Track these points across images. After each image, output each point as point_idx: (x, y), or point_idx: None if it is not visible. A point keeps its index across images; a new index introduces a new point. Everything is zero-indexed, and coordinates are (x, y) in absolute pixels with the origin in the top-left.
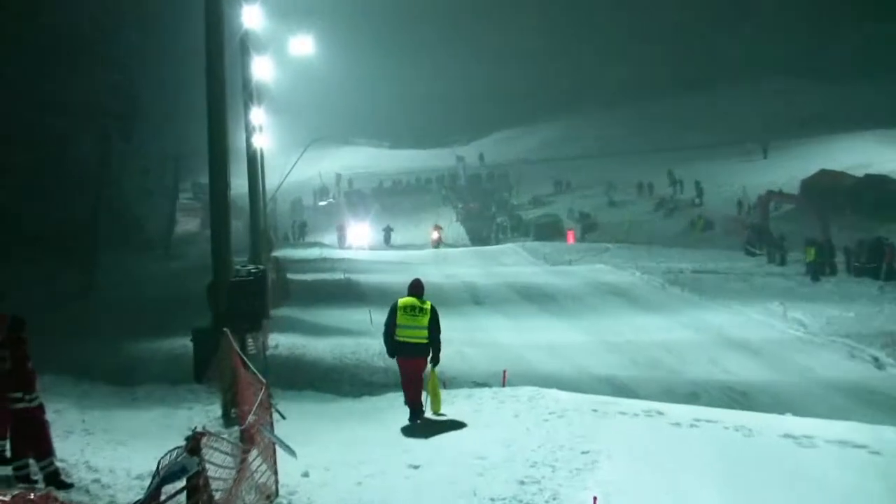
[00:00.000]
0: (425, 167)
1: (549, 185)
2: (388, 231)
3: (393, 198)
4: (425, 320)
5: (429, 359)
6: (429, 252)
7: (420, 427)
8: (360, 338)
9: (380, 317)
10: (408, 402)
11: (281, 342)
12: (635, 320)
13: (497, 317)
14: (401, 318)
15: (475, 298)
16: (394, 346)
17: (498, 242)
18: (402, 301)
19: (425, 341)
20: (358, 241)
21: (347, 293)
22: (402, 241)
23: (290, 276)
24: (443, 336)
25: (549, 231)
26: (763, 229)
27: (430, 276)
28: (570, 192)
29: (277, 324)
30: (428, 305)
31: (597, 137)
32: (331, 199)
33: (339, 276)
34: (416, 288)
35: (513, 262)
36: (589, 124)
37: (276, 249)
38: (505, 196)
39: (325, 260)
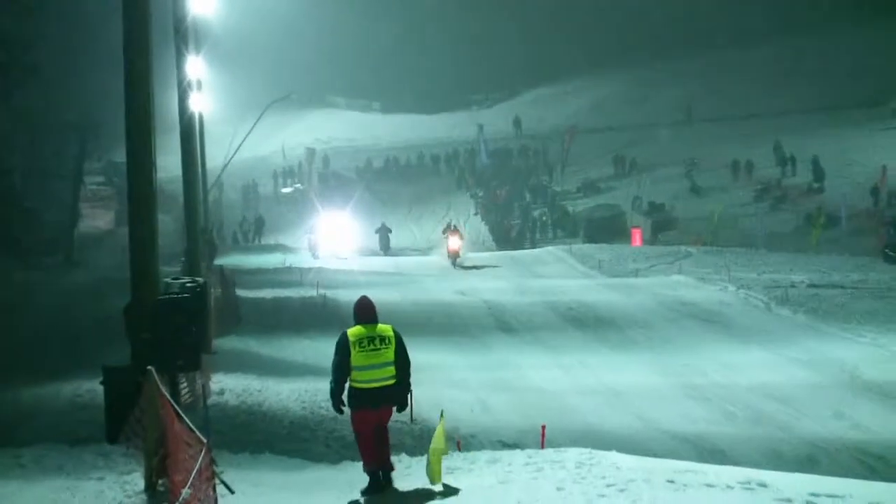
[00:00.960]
0: (432, 139)
1: (606, 165)
2: (384, 232)
3: (386, 183)
4: (391, 353)
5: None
6: (435, 260)
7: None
8: None
9: None
10: (370, 468)
11: (228, 386)
12: (728, 355)
13: (533, 350)
14: (357, 358)
15: (502, 324)
16: (352, 397)
17: (535, 245)
18: (353, 333)
19: (393, 382)
20: (339, 247)
21: (322, 317)
22: (398, 243)
23: (240, 292)
24: (457, 378)
25: (607, 229)
26: None
27: (439, 292)
28: (636, 175)
29: (223, 360)
30: (390, 332)
31: (671, 98)
32: (298, 185)
33: (310, 292)
34: (368, 311)
35: (555, 273)
36: (660, 79)
37: (221, 256)
38: (544, 180)
39: (290, 270)
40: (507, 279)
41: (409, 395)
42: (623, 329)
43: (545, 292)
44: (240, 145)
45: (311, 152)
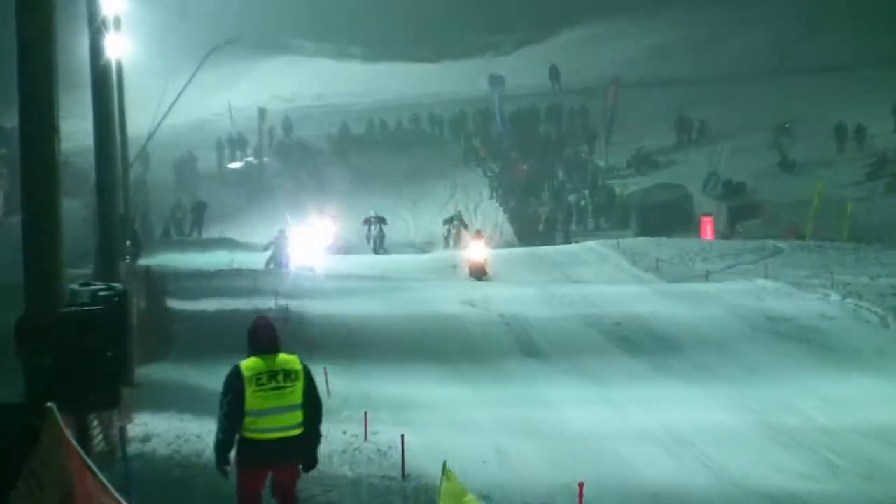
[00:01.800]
0: (431, 96)
1: (666, 131)
2: (376, 224)
3: (369, 155)
4: (297, 392)
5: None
6: (434, 259)
7: None
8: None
9: (341, 381)
10: None
11: (156, 430)
12: (831, 387)
13: (568, 380)
14: (254, 399)
15: (526, 346)
16: (242, 451)
17: (570, 240)
18: (248, 367)
19: (300, 431)
20: (314, 252)
21: (284, 337)
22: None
23: (173, 303)
24: (465, 418)
25: (668, 217)
26: None
27: (440, 302)
28: (707, 144)
29: (150, 395)
30: (297, 364)
31: (755, 42)
32: (250, 159)
33: (267, 303)
34: (267, 336)
35: (598, 277)
36: (740, 17)
37: (146, 254)
38: (583, 152)
39: (240, 273)
40: (532, 285)
41: (317, 446)
42: (689, 352)
43: (584, 303)
44: (172, 105)
45: (266, 114)
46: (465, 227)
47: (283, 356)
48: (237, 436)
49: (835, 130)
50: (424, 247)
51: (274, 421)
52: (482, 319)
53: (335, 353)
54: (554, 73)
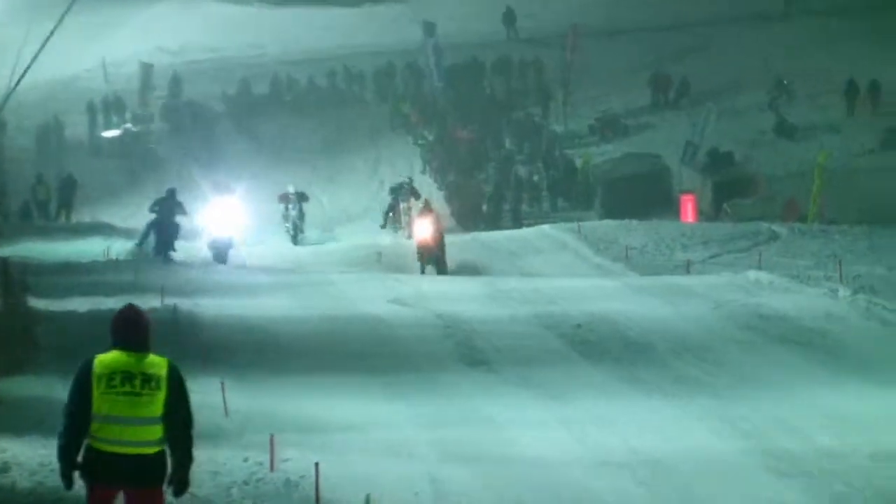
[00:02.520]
0: (350, 47)
1: (638, 89)
2: (295, 203)
3: (274, 119)
4: (157, 403)
5: (167, 485)
6: (356, 247)
7: None
8: (202, 448)
9: (242, 397)
10: None
11: (17, 456)
12: (839, 402)
13: (519, 395)
14: (101, 401)
15: (468, 353)
16: (87, 462)
17: (521, 223)
18: (102, 362)
19: (157, 450)
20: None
21: (172, 343)
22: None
23: (36, 303)
24: (394, 441)
25: (640, 195)
26: None
27: (364, 301)
28: (688, 106)
29: (10, 414)
30: (163, 369)
31: None
32: (128, 126)
33: (152, 302)
34: (132, 329)
35: (555, 268)
36: None
37: (2, 242)
38: (535, 114)
39: (118, 266)
40: (475, 279)
41: (187, 469)
42: (667, 361)
43: (538, 300)
44: (33, 60)
45: (149, 70)
46: (417, 197)
47: (151, 357)
48: (86, 443)
49: (844, 88)
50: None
51: (123, 432)
52: (415, 321)
53: (235, 363)
54: (508, 17)
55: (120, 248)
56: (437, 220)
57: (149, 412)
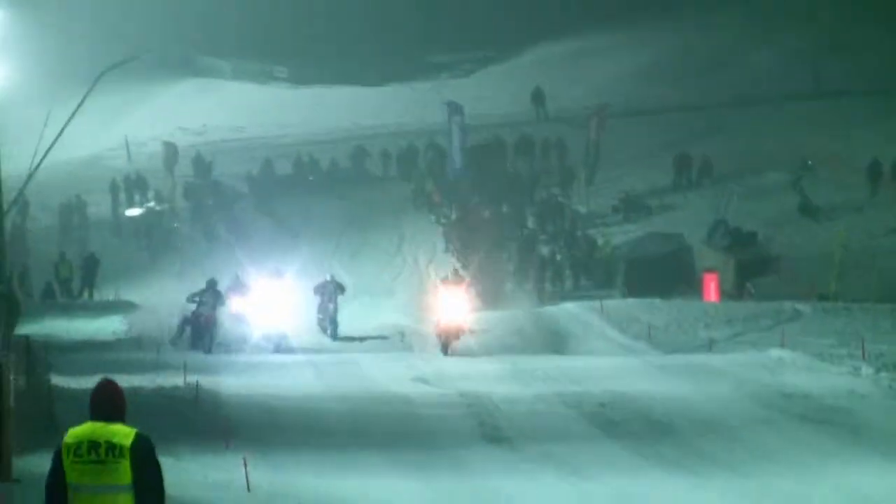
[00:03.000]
0: (372, 127)
1: (661, 169)
2: (331, 295)
3: (297, 199)
4: (122, 472)
5: None
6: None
7: None
8: None
9: (264, 474)
10: None
11: None
12: (864, 481)
13: (542, 474)
14: (71, 470)
15: (491, 432)
16: None
17: (543, 301)
18: (72, 433)
19: None
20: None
21: (194, 422)
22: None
23: (57, 380)
24: None
25: (663, 274)
26: None
27: (386, 379)
28: (711, 185)
29: (29, 493)
30: (127, 438)
31: (768, 60)
32: (152, 204)
33: (173, 380)
34: (101, 401)
35: (578, 347)
36: (748, 31)
37: (25, 320)
38: (558, 195)
39: (140, 343)
40: (498, 358)
41: None
42: (690, 440)
43: (561, 379)
44: (56, 139)
45: (172, 150)
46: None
47: (115, 427)
48: None
49: (867, 169)
50: (364, 309)
51: (93, 501)
52: (437, 400)
53: (257, 440)
54: (538, 97)
55: (141, 325)
56: (465, 296)
57: (114, 479)
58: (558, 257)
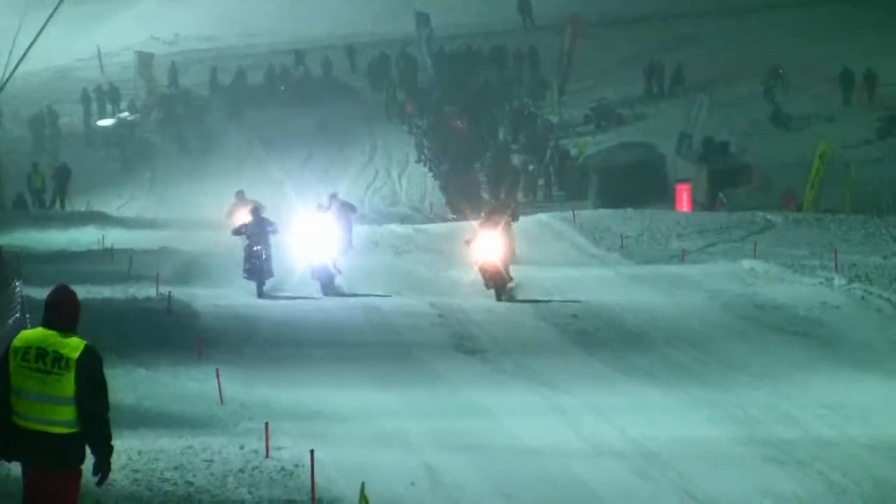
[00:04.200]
0: (344, 38)
1: (634, 79)
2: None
3: (268, 109)
4: (67, 384)
5: (91, 471)
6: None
7: None
8: (197, 436)
9: (237, 386)
10: None
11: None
12: (835, 391)
13: (514, 385)
14: (16, 374)
15: (464, 342)
16: (7, 437)
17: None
18: (21, 337)
19: (67, 431)
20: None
21: (166, 333)
22: (277, 215)
23: (29, 291)
24: (388, 431)
25: (635, 185)
26: None
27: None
28: (683, 95)
29: None
30: (76, 350)
31: None
32: (125, 114)
33: (146, 291)
34: (53, 307)
35: (550, 257)
36: None
37: None
38: (530, 105)
39: (113, 255)
40: (470, 268)
41: (104, 454)
42: (662, 350)
43: (533, 290)
44: (27, 49)
45: (146, 59)
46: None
47: (68, 339)
48: (6, 421)
49: (840, 77)
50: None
51: (33, 408)
52: (411, 311)
53: (230, 351)
54: (524, 6)
55: (115, 237)
56: (506, 227)
57: (56, 391)
58: (531, 167)
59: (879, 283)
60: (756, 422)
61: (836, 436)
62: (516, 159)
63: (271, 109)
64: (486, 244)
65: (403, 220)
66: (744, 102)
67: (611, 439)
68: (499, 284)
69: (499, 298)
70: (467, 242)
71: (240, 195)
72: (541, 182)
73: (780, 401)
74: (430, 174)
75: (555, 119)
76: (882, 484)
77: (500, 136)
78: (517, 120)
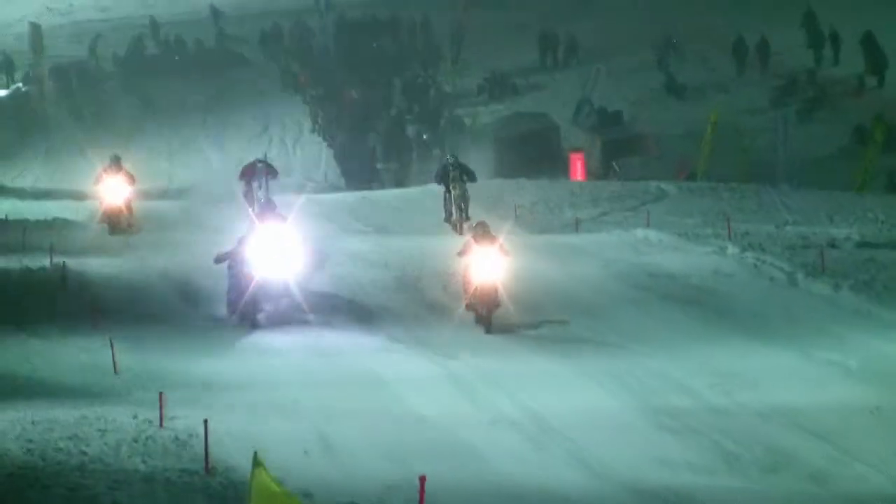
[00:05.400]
0: (237, 8)
1: (527, 49)
2: (261, 174)
3: (162, 80)
4: None
5: None
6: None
7: None
8: (91, 406)
9: (132, 355)
10: None
11: None
12: (727, 359)
13: (405, 352)
14: None
15: (353, 310)
16: None
17: (407, 182)
18: None
19: None
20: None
21: (60, 303)
22: (151, 183)
23: None
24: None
25: (529, 154)
26: None
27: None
28: (577, 65)
29: None
30: None
31: None
32: (18, 85)
33: (40, 261)
34: None
35: (442, 227)
36: None
37: None
38: (422, 75)
39: (6, 226)
40: (362, 236)
41: None
42: (555, 318)
43: (425, 258)
44: None
45: (37, 31)
46: (467, 175)
47: None
48: None
49: (733, 47)
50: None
51: None
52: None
53: (124, 321)
54: None
55: (8, 208)
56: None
57: None
58: (424, 137)
59: (772, 252)
60: (650, 390)
61: (728, 404)
62: (410, 129)
63: (166, 80)
64: (486, 262)
65: (298, 189)
66: (638, 72)
67: (503, 408)
68: (491, 309)
69: (488, 331)
70: (460, 254)
71: (114, 160)
72: (435, 152)
73: (673, 369)
74: (325, 144)
75: (449, 89)
76: (773, 450)
77: (395, 105)
78: (411, 90)
